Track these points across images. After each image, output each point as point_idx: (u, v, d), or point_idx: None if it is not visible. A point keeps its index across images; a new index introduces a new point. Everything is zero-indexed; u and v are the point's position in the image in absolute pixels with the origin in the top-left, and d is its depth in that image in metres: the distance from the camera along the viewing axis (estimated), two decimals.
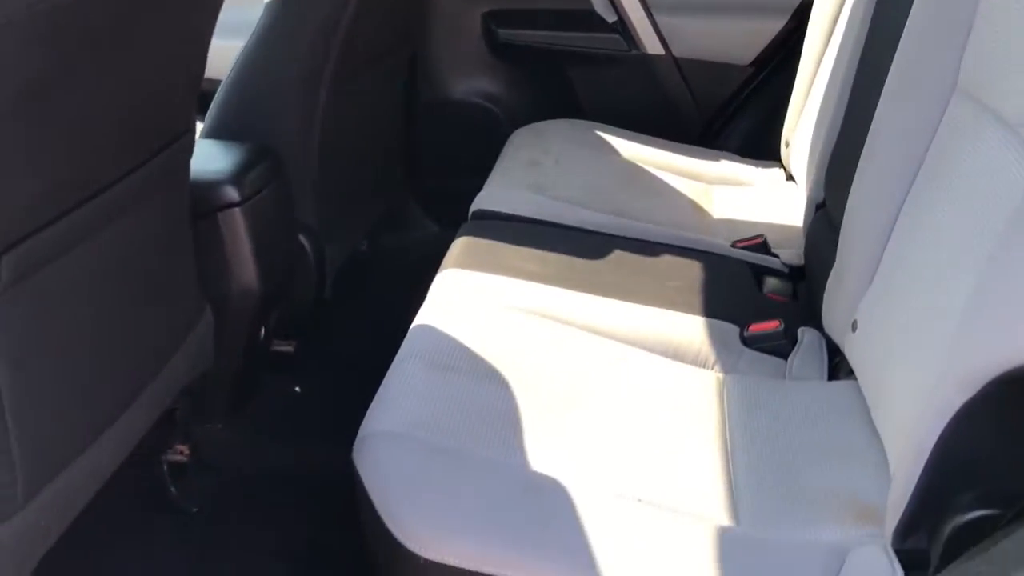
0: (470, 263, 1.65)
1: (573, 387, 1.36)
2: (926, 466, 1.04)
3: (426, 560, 1.05)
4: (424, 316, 1.47)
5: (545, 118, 2.39)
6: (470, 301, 1.53)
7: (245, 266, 1.70)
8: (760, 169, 2.30)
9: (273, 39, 1.88)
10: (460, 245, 1.73)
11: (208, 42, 1.43)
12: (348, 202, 2.11)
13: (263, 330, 1.86)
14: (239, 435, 1.85)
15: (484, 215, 1.91)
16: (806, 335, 1.57)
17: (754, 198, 2.16)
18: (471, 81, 2.54)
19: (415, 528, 1.07)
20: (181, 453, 1.71)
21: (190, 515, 1.69)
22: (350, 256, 2.21)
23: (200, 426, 1.77)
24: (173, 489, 1.70)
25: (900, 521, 1.08)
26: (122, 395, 1.36)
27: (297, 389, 2.01)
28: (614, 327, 1.53)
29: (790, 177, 2.24)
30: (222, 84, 1.89)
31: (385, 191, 2.45)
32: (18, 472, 1.12)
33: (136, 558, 1.58)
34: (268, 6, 1.89)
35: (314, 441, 1.83)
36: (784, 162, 2.26)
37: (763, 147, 2.37)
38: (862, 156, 1.46)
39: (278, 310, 1.89)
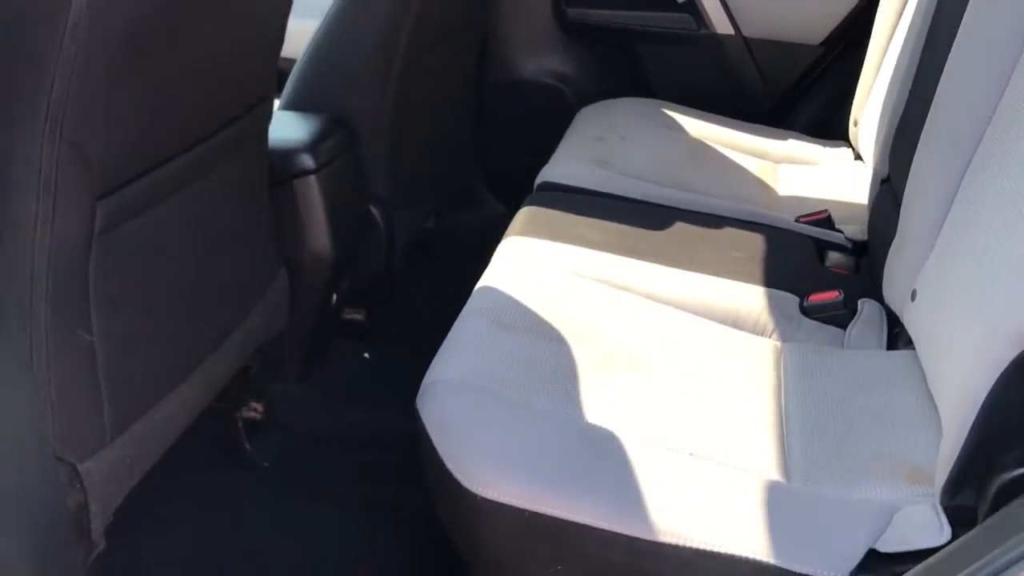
0: (533, 231, 1.70)
1: (631, 349, 1.40)
2: (975, 421, 1.05)
3: (482, 498, 1.10)
4: (488, 278, 1.52)
5: (614, 97, 2.42)
6: (532, 266, 1.58)
7: (318, 231, 1.77)
8: (828, 148, 2.30)
9: (348, 16, 1.94)
10: (524, 214, 1.78)
11: (288, 8, 1.50)
12: (418, 176, 2.18)
13: (335, 296, 1.93)
14: (311, 396, 1.93)
15: (549, 187, 1.95)
16: (866, 306, 1.58)
17: (820, 176, 2.16)
18: (540, 60, 2.58)
19: (473, 469, 1.12)
20: (255, 410, 1.80)
21: (263, 470, 1.77)
22: (419, 231, 2.27)
23: (274, 386, 1.85)
24: (247, 445, 1.79)
25: (948, 477, 1.09)
26: (203, 344, 1.44)
27: (366, 355, 2.08)
28: (674, 294, 1.56)
29: (858, 156, 2.23)
30: (299, 59, 1.97)
31: (455, 168, 2.51)
32: (106, 408, 1.20)
33: (210, 508, 1.66)
34: None
35: (381, 403, 1.90)
36: (852, 141, 2.25)
37: (832, 127, 2.37)
38: (925, 125, 1.47)
39: (349, 278, 1.96)
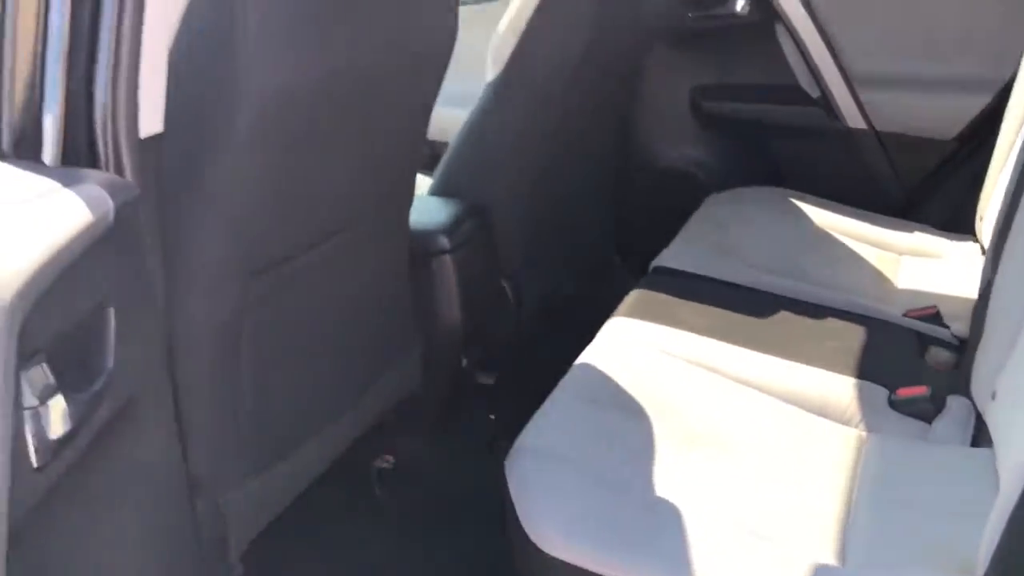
0: (638, 313, 1.84)
1: (714, 429, 1.51)
2: (1010, 517, 1.11)
3: (550, 556, 1.25)
4: (586, 356, 1.67)
5: (745, 185, 2.53)
6: (630, 346, 1.72)
7: (451, 305, 1.98)
8: (954, 242, 2.32)
9: (492, 111, 2.16)
10: (633, 297, 1.93)
11: (427, 120, 1.72)
12: (550, 254, 2.36)
13: (465, 361, 2.13)
14: (439, 451, 2.12)
15: (662, 271, 2.09)
16: (954, 402, 1.63)
17: (941, 270, 2.19)
18: (676, 148, 2.72)
19: (544, 528, 1.27)
20: (387, 461, 2.01)
21: (390, 516, 1.97)
22: (550, 302, 2.45)
23: (405, 440, 2.06)
24: (378, 492, 2.00)
25: (987, 571, 1.15)
26: (340, 401, 1.66)
27: (492, 417, 2.27)
28: (765, 380, 1.66)
29: (984, 251, 2.25)
30: (448, 148, 2.20)
31: (587, 245, 2.68)
32: (247, 451, 1.43)
33: (339, 547, 1.86)
34: (490, 84, 2.19)
35: (499, 463, 2.07)
36: (978, 236, 2.27)
37: (963, 221, 2.38)
38: (1012, 229, 1.52)
39: (480, 345, 2.16)
